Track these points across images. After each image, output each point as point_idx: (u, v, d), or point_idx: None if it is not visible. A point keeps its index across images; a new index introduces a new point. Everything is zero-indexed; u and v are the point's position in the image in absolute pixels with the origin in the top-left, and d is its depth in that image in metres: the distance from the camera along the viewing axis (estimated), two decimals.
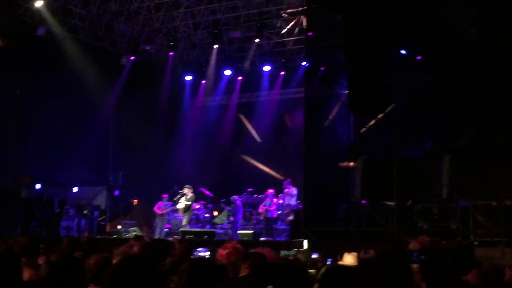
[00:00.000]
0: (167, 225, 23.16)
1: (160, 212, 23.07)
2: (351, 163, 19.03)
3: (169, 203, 23.25)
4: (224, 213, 23.81)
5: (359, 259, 7.86)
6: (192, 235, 20.13)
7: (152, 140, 27.03)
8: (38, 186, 23.45)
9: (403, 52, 18.22)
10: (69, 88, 23.53)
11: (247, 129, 27.62)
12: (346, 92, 18.16)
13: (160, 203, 23.27)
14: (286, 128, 26.13)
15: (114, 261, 5.93)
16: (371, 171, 18.21)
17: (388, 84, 17.33)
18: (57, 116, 23.07)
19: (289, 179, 22.47)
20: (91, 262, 6.42)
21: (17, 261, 6.57)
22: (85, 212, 23.25)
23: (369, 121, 18.55)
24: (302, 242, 16.58)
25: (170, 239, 18.65)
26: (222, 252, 6.83)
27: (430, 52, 17.55)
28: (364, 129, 18.83)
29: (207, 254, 15.04)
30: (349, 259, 8.03)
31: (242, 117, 27.85)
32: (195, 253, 14.93)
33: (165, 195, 23.35)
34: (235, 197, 22.86)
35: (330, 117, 19.45)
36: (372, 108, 17.58)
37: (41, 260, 8.34)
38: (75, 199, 24.19)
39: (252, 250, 6.99)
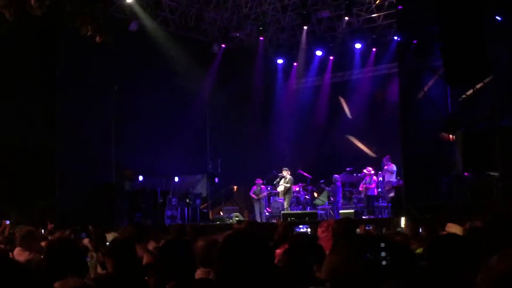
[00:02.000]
0: (268, 209, 23.54)
1: (256, 197, 23.44)
2: (451, 136, 18.79)
3: (264, 187, 23.61)
4: (324, 194, 23.98)
5: (465, 230, 7.78)
6: (293, 217, 20.39)
7: (248, 125, 27.43)
8: (140, 178, 24.04)
9: (498, 18, 17.80)
10: (163, 80, 24.12)
11: (342, 108, 27.56)
12: (441, 64, 17.90)
13: (254, 187, 23.73)
14: (382, 105, 25.91)
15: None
16: (472, 142, 17.91)
17: (485, 52, 16.98)
18: (153, 108, 23.67)
19: (387, 156, 22.39)
20: (199, 244, 6.71)
21: (132, 246, 6.96)
22: (187, 200, 23.86)
23: (467, 91, 18.24)
24: (400, 219, 16.56)
25: (274, 221, 19.02)
26: (319, 229, 7.05)
27: None
28: (462, 99, 18.54)
29: (308, 230, 15.25)
30: (453, 229, 7.94)
31: (336, 96, 27.80)
32: (296, 229, 15.17)
33: (259, 180, 23.74)
34: (335, 176, 22.94)
35: (426, 89, 19.22)
36: (469, 77, 17.29)
37: (151, 246, 8.79)
38: (177, 189, 24.85)
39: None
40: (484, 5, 16.75)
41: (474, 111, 18.54)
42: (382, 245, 2.83)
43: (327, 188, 23.72)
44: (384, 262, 2.97)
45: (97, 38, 16.45)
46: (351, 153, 26.25)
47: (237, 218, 22.22)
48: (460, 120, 18.60)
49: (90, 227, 10.94)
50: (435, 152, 18.55)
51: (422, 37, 19.34)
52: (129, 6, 22.67)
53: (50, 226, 13.17)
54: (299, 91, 28.98)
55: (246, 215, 22.66)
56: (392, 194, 21.10)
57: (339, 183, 22.91)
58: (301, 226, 16.08)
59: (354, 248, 2.84)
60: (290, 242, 6.30)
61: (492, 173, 17.27)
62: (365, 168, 22.75)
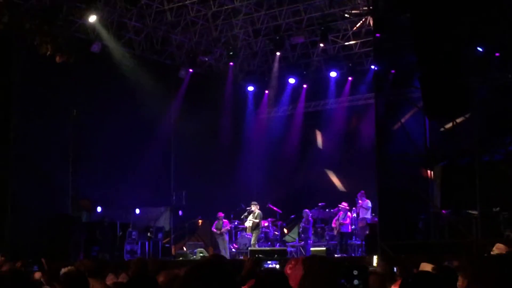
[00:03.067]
0: (235, 245, 23.49)
1: (218, 232, 23.45)
2: (429, 171, 19.01)
3: (226, 222, 23.66)
4: (295, 230, 24.03)
5: (436, 269, 7.88)
6: (262, 254, 20.36)
7: (215, 155, 27.40)
8: (99, 209, 23.89)
9: (479, 49, 18.13)
10: (126, 106, 23.98)
11: (315, 139, 27.74)
12: (420, 95, 18.12)
13: (216, 222, 23.74)
14: (357, 137, 26.17)
15: None
16: (451, 178, 18.15)
17: (465, 84, 17.25)
18: (115, 135, 23.49)
19: (362, 191, 22.53)
20: (161, 279, 6.74)
21: (85, 280, 6.96)
22: (148, 234, 23.68)
23: (446, 124, 18.49)
24: (372, 258, 16.65)
25: (241, 257, 18.98)
26: (287, 266, 7.09)
27: (510, 47, 17.44)
28: (441, 132, 18.77)
29: (277, 266, 15.25)
30: (427, 269, 8.03)
31: (309, 127, 27.97)
32: (265, 265, 15.15)
33: (221, 214, 23.77)
34: (307, 211, 23.01)
35: (403, 121, 19.44)
36: (449, 110, 17.53)
37: (109, 280, 8.75)
38: (138, 221, 24.66)
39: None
40: (464, 36, 17.04)
41: (453, 145, 18.79)
42: (355, 272, 2.91)
43: (298, 224, 23.74)
44: None
45: (57, 58, 16.41)
46: (324, 187, 26.42)
47: (201, 254, 22.14)
48: (439, 154, 18.83)
49: (43, 260, 10.83)
50: (412, 188, 18.68)
51: (400, 67, 19.61)
52: (92, 26, 22.60)
53: (0, 258, 13.00)
54: (271, 120, 29.15)
55: (210, 251, 22.58)
56: (366, 232, 21.21)
57: (310, 219, 22.96)
58: (269, 262, 16.11)
59: (328, 274, 2.90)
60: (258, 278, 6.32)
61: (471, 211, 17.44)
62: (338, 203, 22.87)
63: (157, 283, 5.80)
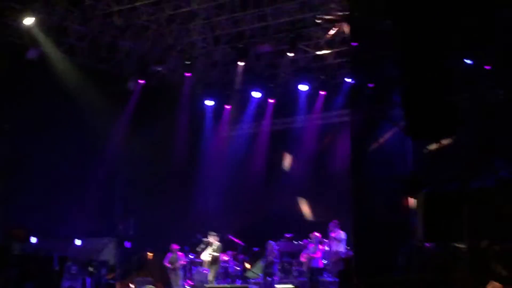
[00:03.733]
0: (189, 281, 23.27)
1: (171, 266, 23.33)
2: (411, 198, 18.98)
3: (181, 254, 23.62)
4: (258, 264, 23.89)
5: None
6: None
7: (169, 178, 27.37)
8: (33, 240, 23.45)
9: (468, 61, 18.18)
10: (67, 120, 23.88)
11: (283, 161, 27.67)
12: (401, 113, 18.12)
13: (169, 254, 23.68)
14: (330, 159, 26.18)
15: None
16: (436, 207, 18.06)
17: (452, 100, 17.27)
18: (53, 154, 23.42)
19: (335, 221, 22.51)
20: None
21: None
22: (90, 269, 23.40)
23: (431, 146, 18.49)
24: None
25: None
26: None
27: (501, 60, 17.51)
28: (424, 154, 18.77)
29: None
30: None
31: (276, 147, 27.89)
32: None
33: (175, 246, 23.73)
34: (271, 243, 22.91)
35: (382, 141, 19.41)
36: (434, 130, 17.50)
37: None
38: (78, 254, 24.27)
39: None
40: (453, 46, 17.07)
41: (439, 170, 18.78)
42: None
43: (261, 257, 23.62)
44: None
45: None
46: (292, 216, 26.41)
47: None
48: (422, 179, 18.80)
49: None
50: (391, 218, 18.62)
51: (380, 80, 19.58)
52: (28, 29, 22.32)
53: None
54: (232, 139, 29.10)
55: None
56: (340, 267, 21.08)
57: (276, 252, 22.85)
58: None
59: None
60: None
61: (458, 245, 17.41)
62: (308, 234, 22.79)
63: None
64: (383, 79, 19.40)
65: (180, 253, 23.53)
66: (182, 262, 23.50)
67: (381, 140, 19.43)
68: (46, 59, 23.24)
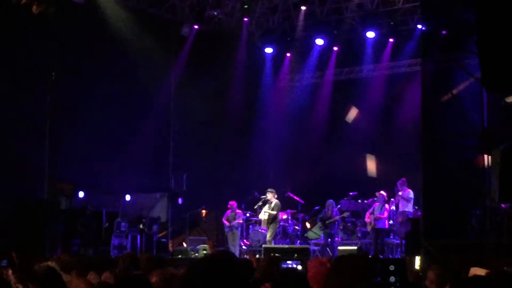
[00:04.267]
0: (246, 241, 23.52)
1: (228, 224, 23.55)
2: (486, 155, 18.91)
3: (240, 212, 23.77)
4: (319, 224, 23.97)
5: (491, 274, 7.81)
6: (278, 253, 20.38)
7: (224, 131, 27.59)
8: (81, 194, 23.99)
9: None
10: (116, 69, 23.93)
11: (346, 114, 27.61)
12: (477, 62, 18.00)
13: (228, 212, 23.79)
14: (398, 112, 26.04)
15: None
16: None
17: None
18: (102, 105, 23.53)
19: (403, 179, 22.46)
20: (154, 280, 6.80)
21: (60, 280, 7.05)
22: (141, 226, 23.81)
23: (509, 98, 18.36)
24: (413, 260, 16.65)
25: (246, 256, 19.01)
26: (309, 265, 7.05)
27: None
28: (502, 107, 18.64)
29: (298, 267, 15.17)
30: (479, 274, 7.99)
31: (340, 98, 27.82)
32: (283, 265, 15.15)
33: (234, 203, 23.79)
34: (331, 202, 23.06)
35: (455, 92, 19.34)
36: None
37: (92, 278, 8.83)
38: (128, 210, 24.86)
39: None
40: None
41: None
42: (392, 267, 2.97)
43: (322, 217, 23.74)
44: None
45: (34, 8, 16.42)
46: (356, 173, 26.45)
47: (204, 251, 22.17)
48: (499, 134, 18.70)
49: (13, 253, 10.94)
50: (464, 176, 18.61)
51: (454, 27, 19.45)
52: None
53: None
54: (293, 90, 29.14)
55: (210, 246, 22.54)
56: (407, 228, 21.19)
57: (336, 211, 22.98)
58: (289, 262, 16.10)
59: (361, 271, 2.94)
60: (275, 281, 6.38)
61: None
62: (373, 192, 22.81)
63: (150, 284, 5.83)
64: (457, 26, 19.26)
65: (239, 211, 23.67)
66: (240, 220, 23.68)
67: (455, 91, 19.37)
68: (94, 2, 23.34)
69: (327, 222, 22.94)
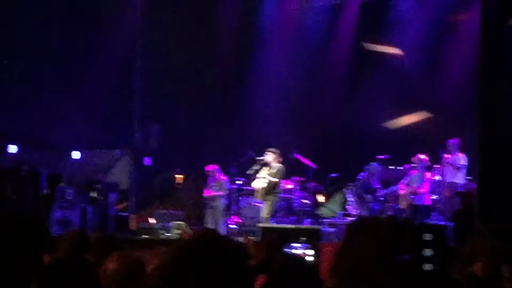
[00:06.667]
0: (235, 218, 23.39)
1: (209, 195, 23.47)
2: None
3: (224, 178, 23.62)
4: (337, 198, 23.92)
5: None
6: (280, 235, 20.25)
7: (210, 71, 27.36)
8: (12, 149, 24.15)
9: None
10: None
11: (378, 50, 27.36)
12: None
13: (209, 181, 23.63)
14: (449, 47, 25.77)
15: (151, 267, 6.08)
16: None
17: None
18: (42, 35, 23.75)
19: (455, 140, 22.25)
20: (110, 267, 6.54)
21: None
22: (93, 194, 23.85)
23: None
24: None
25: (239, 239, 18.86)
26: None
27: None
28: None
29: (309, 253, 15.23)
30: None
31: (369, 28, 27.49)
32: (288, 250, 15.14)
33: (213, 167, 23.56)
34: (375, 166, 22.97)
35: None
36: None
37: None
38: (76, 173, 24.88)
39: None
40: None
41: None
42: (427, 237, 2.84)
43: (343, 188, 23.65)
44: (428, 267, 3.16)
45: None
46: (387, 130, 26.35)
47: (178, 231, 22.01)
48: None
49: None
50: None
51: None
52: None
53: None
54: (304, 15, 28.84)
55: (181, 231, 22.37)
56: (456, 206, 21.02)
57: (364, 177, 22.93)
58: (297, 245, 15.95)
59: (382, 243, 2.82)
60: (271, 273, 6.21)
61: None
62: (410, 157, 22.62)
63: (105, 271, 6.05)
64: None
65: (223, 177, 23.50)
66: (222, 191, 23.47)
67: None
68: None
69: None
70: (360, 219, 4.38)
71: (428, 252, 3.12)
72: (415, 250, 3.22)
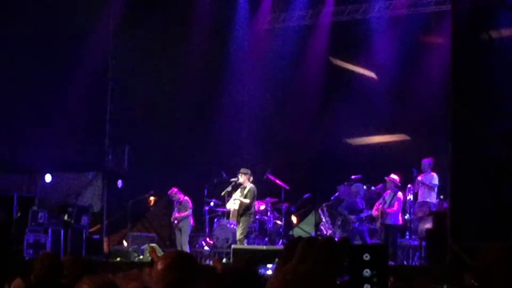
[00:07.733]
0: (208, 240, 23.47)
1: (175, 217, 23.67)
2: None
3: (185, 198, 23.72)
4: (310, 218, 23.98)
5: None
6: (254, 256, 20.37)
7: (182, 92, 27.37)
8: None
9: None
10: (38, 9, 24.08)
11: (347, 67, 27.50)
12: None
13: (175, 203, 23.91)
14: (419, 66, 25.94)
15: None
16: None
17: None
18: (16, 57, 23.83)
19: (428, 160, 22.31)
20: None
21: None
22: (66, 218, 23.76)
23: None
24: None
25: (208, 262, 18.94)
26: None
27: None
28: None
29: None
30: None
31: (340, 48, 27.66)
32: (262, 270, 15.19)
33: (173, 189, 23.74)
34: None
35: (496, 35, 19.27)
36: None
37: None
38: (48, 196, 24.88)
39: None
40: None
41: None
42: (368, 257, 2.92)
43: (316, 208, 23.75)
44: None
45: None
46: (360, 150, 26.42)
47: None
48: None
49: None
50: (508, 155, 18.62)
51: None
52: None
53: None
54: (276, 35, 28.91)
55: (151, 252, 22.30)
56: (427, 225, 21.13)
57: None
58: (269, 266, 16.01)
59: (317, 263, 2.91)
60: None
61: None
62: (383, 176, 22.75)
63: None
64: None
65: (184, 198, 23.59)
66: (186, 212, 23.55)
67: (496, 34, 19.29)
68: None
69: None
70: (296, 238, 4.45)
71: (367, 272, 3.21)
72: (355, 271, 3.29)
